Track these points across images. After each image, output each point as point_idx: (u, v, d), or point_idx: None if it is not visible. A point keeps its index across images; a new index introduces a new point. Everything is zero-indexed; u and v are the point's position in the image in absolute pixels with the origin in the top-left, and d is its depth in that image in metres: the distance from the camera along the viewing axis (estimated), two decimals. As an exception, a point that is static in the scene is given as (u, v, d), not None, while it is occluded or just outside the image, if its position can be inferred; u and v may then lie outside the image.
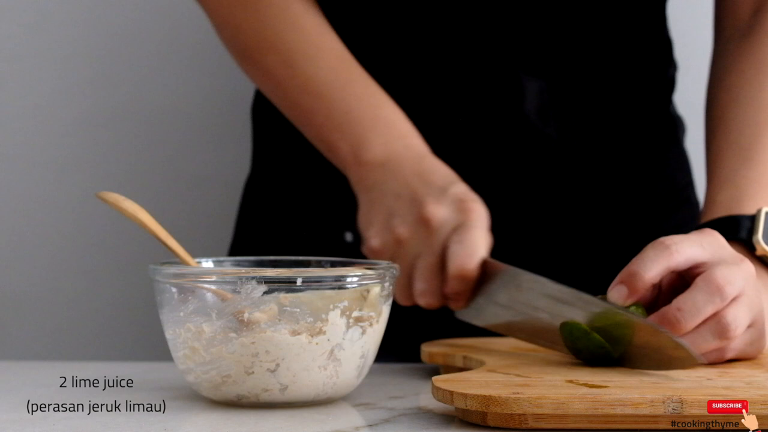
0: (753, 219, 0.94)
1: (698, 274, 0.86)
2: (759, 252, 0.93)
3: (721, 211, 0.96)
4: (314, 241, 1.12)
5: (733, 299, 0.85)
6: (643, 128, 1.13)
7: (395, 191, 0.96)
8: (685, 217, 1.13)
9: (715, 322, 0.84)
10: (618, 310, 0.84)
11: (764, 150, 0.99)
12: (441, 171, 0.97)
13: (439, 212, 0.93)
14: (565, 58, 1.08)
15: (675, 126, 1.17)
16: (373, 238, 0.96)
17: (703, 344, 0.85)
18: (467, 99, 1.07)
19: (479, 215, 0.93)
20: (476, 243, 0.92)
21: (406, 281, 0.95)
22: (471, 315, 0.95)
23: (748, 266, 0.87)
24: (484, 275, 0.92)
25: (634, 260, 0.86)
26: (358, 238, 1.00)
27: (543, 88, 1.07)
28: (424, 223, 0.94)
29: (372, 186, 0.98)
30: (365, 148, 0.99)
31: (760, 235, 0.93)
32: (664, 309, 0.84)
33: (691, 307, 0.83)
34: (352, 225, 1.02)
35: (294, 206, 1.14)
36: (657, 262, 0.85)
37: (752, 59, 1.04)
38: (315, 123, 1.02)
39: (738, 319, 0.85)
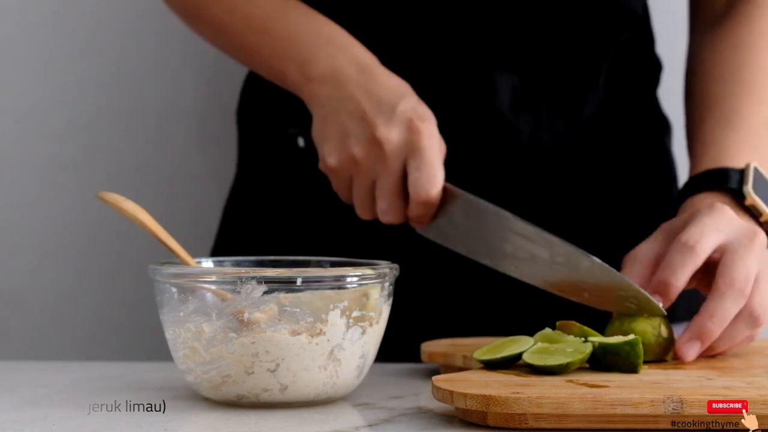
0: (742, 172, 0.98)
1: (716, 259, 0.91)
2: (748, 202, 0.97)
3: (709, 166, 1.00)
4: (314, 241, 1.12)
5: (754, 286, 0.90)
6: (623, 124, 1.13)
7: (346, 108, 0.99)
8: (668, 215, 1.13)
9: (747, 316, 0.89)
10: (576, 251, 0.90)
11: (745, 118, 1.03)
12: (389, 83, 1.00)
13: (391, 134, 0.96)
14: (538, 53, 1.08)
15: (658, 123, 1.17)
16: (329, 156, 0.99)
17: (739, 336, 0.90)
18: (439, 94, 1.07)
19: (430, 134, 0.97)
20: (434, 167, 0.96)
21: (367, 196, 0.99)
22: (432, 233, 0.99)
23: (760, 239, 0.92)
24: (444, 198, 0.97)
25: (663, 267, 0.90)
26: (310, 145, 1.03)
27: (516, 83, 1.07)
28: (377, 144, 0.97)
29: (323, 102, 1.00)
30: (311, 64, 1.01)
31: (750, 185, 0.97)
32: (698, 321, 0.89)
33: (722, 314, 0.89)
34: (304, 130, 1.04)
35: (278, 209, 1.14)
36: (685, 267, 0.90)
37: (729, 41, 1.08)
38: (263, 56, 1.05)
39: (765, 305, 0.90)
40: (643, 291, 0.89)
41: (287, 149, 1.07)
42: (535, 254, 0.93)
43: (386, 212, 0.98)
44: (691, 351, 0.89)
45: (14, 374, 0.98)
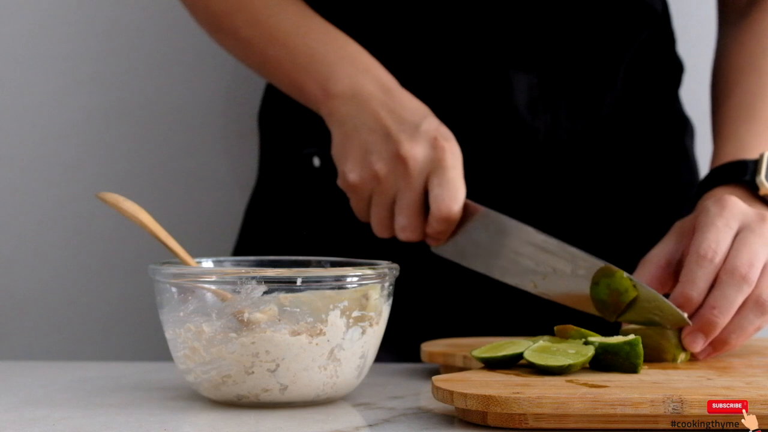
0: (756, 163, 0.98)
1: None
2: (762, 192, 0.97)
3: (726, 159, 1.00)
4: (314, 241, 1.12)
5: (762, 273, 0.89)
6: (641, 124, 1.13)
7: (368, 126, 0.99)
8: (686, 213, 1.13)
9: (754, 304, 0.89)
10: (609, 267, 0.89)
11: (765, 108, 1.03)
12: (411, 104, 1.00)
13: (415, 151, 0.96)
14: (555, 52, 1.08)
15: (679, 124, 1.17)
16: (351, 173, 0.99)
17: (749, 326, 0.89)
18: (456, 94, 1.07)
19: (454, 153, 0.97)
20: (457, 185, 0.96)
21: (386, 214, 0.99)
22: (449, 252, 0.99)
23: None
24: (465, 215, 0.97)
25: (683, 281, 0.89)
26: (326, 164, 1.03)
27: (533, 82, 1.07)
28: (401, 161, 0.96)
29: (344, 119, 1.00)
30: (332, 82, 1.01)
31: (763, 175, 0.97)
32: (700, 313, 0.88)
33: (724, 303, 0.88)
34: (320, 150, 1.04)
35: (299, 214, 1.14)
36: (706, 280, 0.89)
37: (751, 33, 1.09)
38: (284, 70, 1.05)
39: None
40: (668, 302, 0.88)
41: (303, 169, 1.07)
42: (556, 268, 0.93)
43: (405, 229, 0.98)
44: (694, 343, 0.88)
45: (14, 374, 0.98)
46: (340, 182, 1.00)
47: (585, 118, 1.09)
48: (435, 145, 0.96)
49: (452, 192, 0.96)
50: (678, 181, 1.15)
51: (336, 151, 1.01)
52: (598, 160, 1.11)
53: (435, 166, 0.96)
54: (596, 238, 1.10)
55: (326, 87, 1.01)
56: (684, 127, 1.17)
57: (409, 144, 0.96)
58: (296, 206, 1.14)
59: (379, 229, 0.99)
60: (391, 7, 1.08)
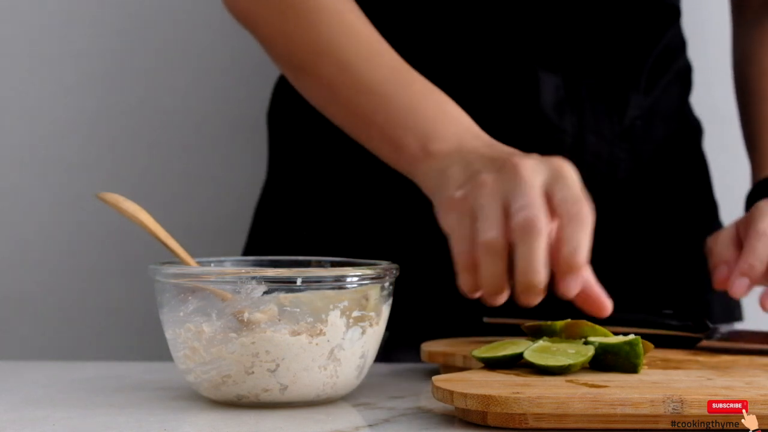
0: None
1: None
2: None
3: None
4: (314, 241, 1.12)
5: None
6: (663, 127, 1.13)
7: (471, 159, 0.90)
8: (703, 216, 1.14)
9: None
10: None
11: None
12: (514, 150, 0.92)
13: (526, 159, 0.85)
14: (581, 53, 1.08)
15: (694, 127, 1.17)
16: (456, 190, 0.87)
17: None
18: (483, 94, 1.07)
19: (569, 166, 0.86)
20: (583, 194, 0.84)
21: (498, 219, 0.83)
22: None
23: None
24: None
25: (746, 253, 0.97)
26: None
27: (559, 83, 1.07)
28: (511, 168, 0.85)
29: (445, 167, 0.91)
30: (435, 140, 0.93)
31: None
32: (736, 268, 0.97)
33: (756, 253, 0.96)
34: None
35: (309, 213, 1.14)
36: (765, 250, 0.97)
37: None
38: (376, 122, 0.97)
39: None
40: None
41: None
42: None
43: (530, 221, 0.81)
44: (739, 287, 0.96)
45: (14, 374, 0.98)
46: (440, 210, 0.89)
47: (611, 119, 1.09)
48: (548, 159, 0.85)
49: (581, 196, 0.83)
50: (694, 182, 1.17)
51: (434, 188, 0.91)
52: (626, 161, 1.10)
53: (553, 174, 0.84)
54: (619, 239, 1.10)
55: (428, 145, 0.93)
56: (698, 129, 1.18)
57: (518, 157, 0.86)
58: (306, 206, 1.14)
59: (488, 230, 0.83)
60: (419, 8, 1.08)
